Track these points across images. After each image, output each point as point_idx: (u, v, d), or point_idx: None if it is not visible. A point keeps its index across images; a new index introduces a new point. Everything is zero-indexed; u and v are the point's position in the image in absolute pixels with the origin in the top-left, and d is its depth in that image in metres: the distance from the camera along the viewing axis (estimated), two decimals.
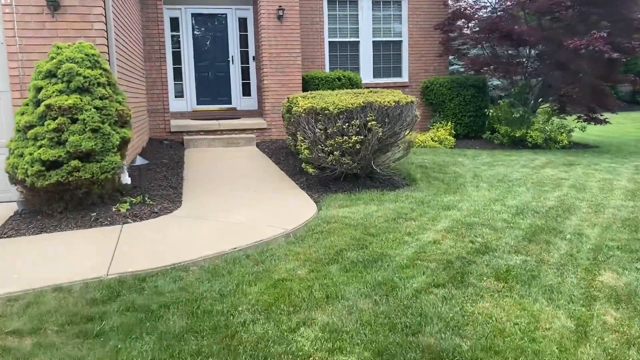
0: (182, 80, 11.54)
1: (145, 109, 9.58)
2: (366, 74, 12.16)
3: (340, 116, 5.80)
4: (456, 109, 11.25)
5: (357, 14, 12.05)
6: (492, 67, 11.38)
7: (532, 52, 11.08)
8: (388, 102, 5.82)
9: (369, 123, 5.77)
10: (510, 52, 11.18)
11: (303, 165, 6.32)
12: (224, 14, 11.59)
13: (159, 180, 6.58)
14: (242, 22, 11.70)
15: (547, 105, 11.55)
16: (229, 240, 4.38)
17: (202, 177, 7.01)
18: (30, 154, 4.88)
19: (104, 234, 4.67)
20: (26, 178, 4.90)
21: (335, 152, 5.87)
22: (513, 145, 10.78)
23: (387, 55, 12.38)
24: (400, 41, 12.32)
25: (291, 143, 7.38)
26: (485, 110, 11.35)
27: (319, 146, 5.97)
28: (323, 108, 5.87)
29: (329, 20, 11.96)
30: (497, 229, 4.72)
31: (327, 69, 12.02)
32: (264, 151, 9.46)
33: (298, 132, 6.36)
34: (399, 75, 12.47)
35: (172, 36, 11.39)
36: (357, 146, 5.80)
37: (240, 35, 11.72)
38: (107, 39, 5.93)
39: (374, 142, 5.89)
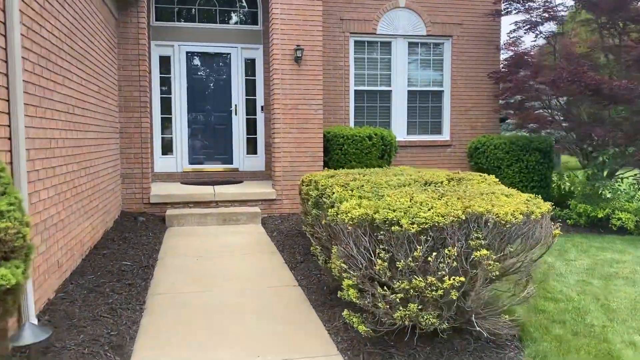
0: (171, 134, 8.82)
1: (114, 175, 6.80)
2: (399, 130, 9.45)
3: (422, 237, 2.99)
4: (516, 177, 8.46)
5: (390, 58, 9.42)
6: (559, 125, 8.68)
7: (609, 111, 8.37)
8: (512, 214, 3.00)
9: (476, 254, 2.94)
10: (588, 108, 8.47)
11: (345, 313, 3.43)
12: (227, 53, 8.97)
13: (96, 320, 3.68)
14: (250, 64, 9.07)
15: (632, 174, 8.78)
16: None
17: (173, 309, 4.15)
18: None
19: None
20: None
21: (411, 304, 3.02)
22: (592, 228, 7.93)
23: (424, 108, 9.69)
24: (441, 91, 9.66)
25: (319, 254, 4.51)
26: (552, 179, 8.60)
27: (379, 289, 3.12)
28: (388, 220, 3.06)
29: (356, 64, 9.33)
30: None
31: (351, 123, 9.33)
32: (273, 236, 6.63)
33: (335, 248, 3.55)
34: (439, 132, 9.75)
35: (162, 79, 8.73)
36: (453, 295, 2.96)
37: (246, 80, 9.07)
38: (8, 89, 3.19)
39: (480, 285, 3.06)
